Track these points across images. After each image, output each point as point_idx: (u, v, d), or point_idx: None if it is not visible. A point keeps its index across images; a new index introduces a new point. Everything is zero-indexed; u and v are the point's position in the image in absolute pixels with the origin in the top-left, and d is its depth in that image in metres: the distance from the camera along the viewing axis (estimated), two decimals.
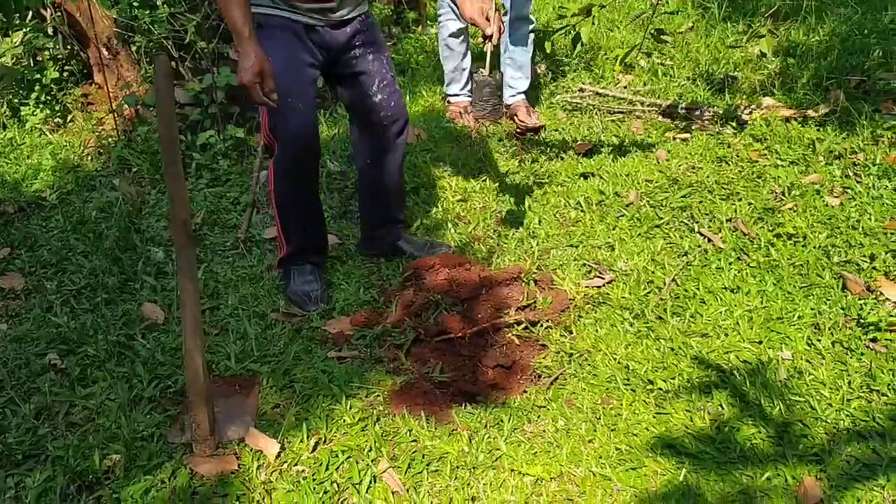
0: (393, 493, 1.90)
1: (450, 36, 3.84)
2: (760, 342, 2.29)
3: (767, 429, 2.00)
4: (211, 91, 3.62)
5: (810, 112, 3.48)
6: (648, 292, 2.57)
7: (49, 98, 4.15)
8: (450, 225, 3.05)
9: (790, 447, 1.95)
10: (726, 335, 2.33)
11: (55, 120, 4.10)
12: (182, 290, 1.88)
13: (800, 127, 3.39)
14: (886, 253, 2.55)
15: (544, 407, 2.16)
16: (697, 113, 3.72)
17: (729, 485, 1.86)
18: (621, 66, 2.90)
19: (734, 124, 3.53)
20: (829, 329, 2.31)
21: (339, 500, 1.89)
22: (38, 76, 4.11)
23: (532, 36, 3.79)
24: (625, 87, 4.16)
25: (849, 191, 2.93)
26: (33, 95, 4.11)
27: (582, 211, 3.08)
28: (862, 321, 2.31)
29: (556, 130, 3.81)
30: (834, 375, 2.15)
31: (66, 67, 4.26)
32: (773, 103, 3.64)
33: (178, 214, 1.83)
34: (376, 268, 2.83)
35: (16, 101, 4.14)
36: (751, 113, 3.59)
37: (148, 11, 3.83)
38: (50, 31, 4.16)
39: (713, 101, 3.81)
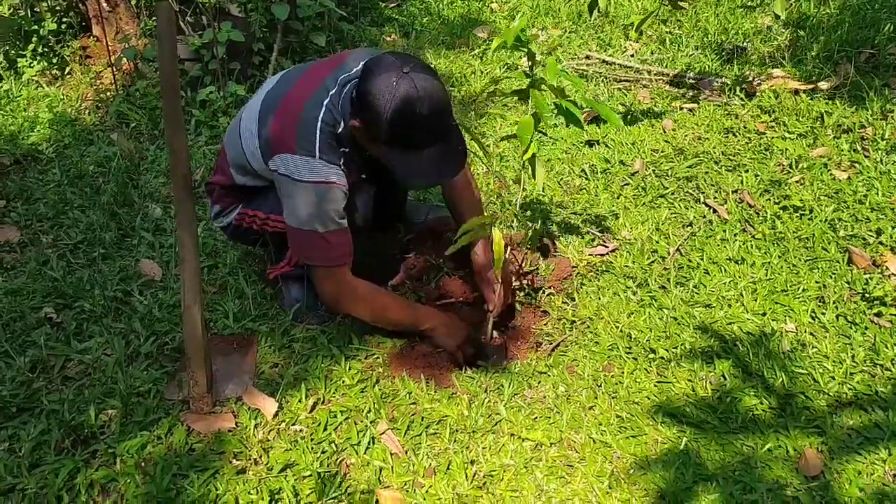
0: (391, 454, 1.89)
1: None
2: (764, 314, 2.27)
3: (769, 400, 1.99)
4: (212, 46, 3.55)
5: (821, 84, 3.43)
6: (652, 262, 2.54)
7: (46, 50, 4.07)
8: None
9: (792, 418, 1.94)
10: (730, 306, 2.31)
11: (52, 72, 4.03)
12: (181, 244, 1.85)
13: (808, 100, 3.34)
14: (893, 228, 2.53)
15: (545, 373, 2.14)
16: (705, 83, 3.67)
17: (730, 454, 1.85)
18: (637, 34, 2.85)
19: (742, 95, 3.48)
20: (834, 302, 2.29)
21: (337, 460, 1.87)
22: (36, 27, 4.03)
23: None
24: (632, 56, 4.09)
25: (856, 165, 2.89)
26: (30, 47, 4.03)
27: (587, 179, 3.04)
28: (867, 295, 2.29)
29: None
30: (837, 349, 2.14)
31: (65, 19, 4.17)
32: (783, 75, 3.59)
33: (179, 168, 1.79)
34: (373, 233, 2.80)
35: (13, 52, 4.06)
36: (759, 84, 3.54)
37: None
38: None
39: (721, 71, 3.76)
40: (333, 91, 2.07)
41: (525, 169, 2.14)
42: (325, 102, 2.05)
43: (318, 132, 2.02)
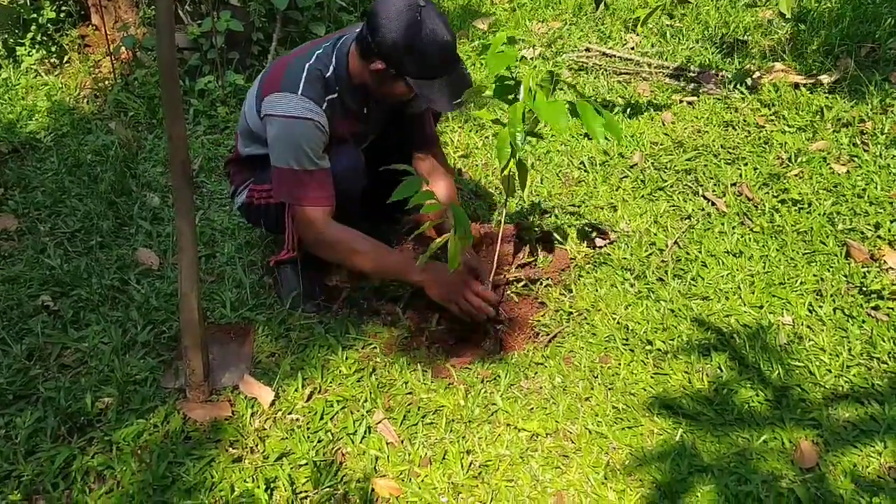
0: (388, 443, 1.89)
1: None
2: (761, 307, 2.27)
3: (766, 392, 1.99)
4: (210, 36, 3.54)
5: (823, 77, 3.42)
6: (650, 254, 2.54)
7: (45, 38, 4.06)
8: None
9: (788, 411, 1.94)
10: (727, 299, 2.31)
11: (51, 61, 4.01)
12: (179, 232, 1.85)
13: (808, 93, 3.34)
14: (891, 222, 2.53)
15: (542, 364, 2.14)
16: (705, 76, 3.66)
17: (725, 446, 1.85)
18: (643, 28, 2.82)
19: (742, 89, 3.48)
20: (831, 296, 2.29)
21: (333, 449, 1.88)
22: (35, 16, 4.01)
23: None
24: (632, 49, 4.08)
25: (856, 159, 2.89)
26: (29, 35, 4.01)
27: (585, 171, 3.04)
28: (864, 289, 2.29)
29: (561, 90, 3.74)
30: (834, 342, 2.14)
31: (64, 7, 4.16)
32: (783, 69, 3.58)
33: (177, 155, 1.78)
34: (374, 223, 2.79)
35: (11, 40, 4.04)
36: (759, 78, 3.53)
37: None
38: None
39: (722, 64, 3.75)
40: (327, 44, 2.18)
41: (512, 176, 2.12)
42: (316, 53, 2.16)
43: (304, 73, 2.11)
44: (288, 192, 2.13)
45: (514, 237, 2.60)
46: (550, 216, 2.75)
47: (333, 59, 2.15)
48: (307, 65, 2.12)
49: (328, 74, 2.14)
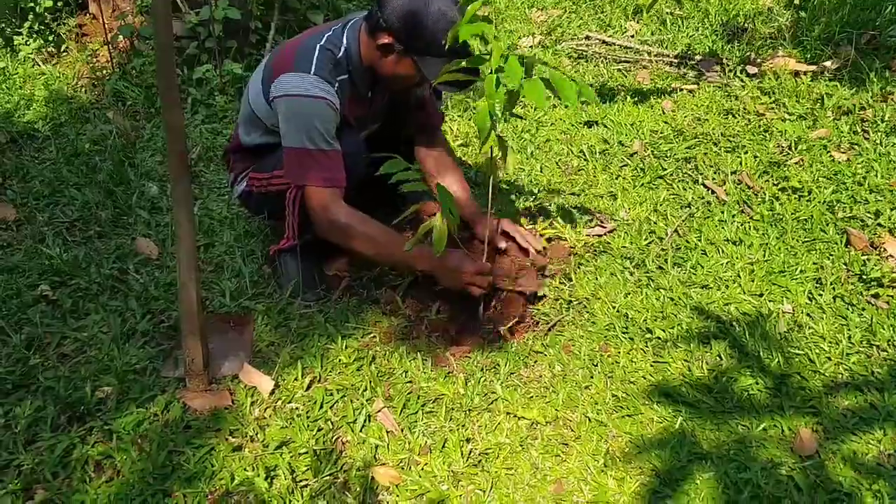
0: (387, 432, 1.89)
1: None
2: (761, 295, 2.27)
3: (765, 380, 1.99)
4: (208, 24, 3.53)
5: (827, 64, 3.41)
6: (650, 242, 2.54)
7: (42, 28, 4.04)
8: None
9: (787, 399, 1.94)
10: (727, 287, 2.31)
11: (48, 50, 4.00)
12: (177, 221, 1.84)
13: (809, 81, 3.33)
14: (892, 210, 2.52)
15: (541, 353, 2.14)
16: (705, 64, 3.65)
17: (725, 433, 1.85)
18: (647, 16, 2.80)
19: (742, 77, 3.46)
20: (831, 284, 2.29)
21: (333, 437, 1.88)
22: (32, 5, 3.99)
23: None
24: (632, 37, 4.07)
25: (856, 147, 2.88)
26: (26, 25, 4.00)
27: (585, 159, 3.03)
28: (864, 277, 2.28)
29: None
30: (834, 330, 2.14)
31: None
32: (783, 57, 3.57)
33: (175, 144, 1.77)
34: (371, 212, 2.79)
35: (8, 30, 4.03)
36: (759, 66, 3.52)
37: None
38: None
39: (722, 52, 3.73)
40: (336, 26, 2.17)
41: (495, 156, 2.04)
42: (326, 34, 2.15)
43: (315, 53, 2.10)
44: (300, 172, 2.12)
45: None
46: (550, 205, 2.74)
47: (344, 40, 2.14)
48: (318, 45, 2.11)
49: (339, 55, 2.13)
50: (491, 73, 1.80)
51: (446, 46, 1.86)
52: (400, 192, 2.01)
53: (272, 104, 2.14)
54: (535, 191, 2.83)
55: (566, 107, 3.25)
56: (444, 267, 2.16)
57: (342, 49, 2.14)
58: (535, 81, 1.79)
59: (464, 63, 1.84)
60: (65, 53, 4.01)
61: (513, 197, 2.81)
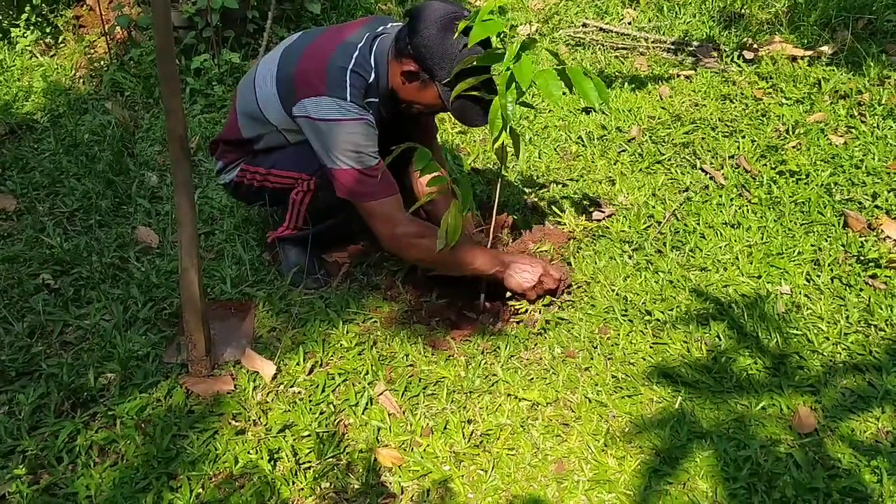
0: (389, 414, 1.90)
1: None
2: (759, 276, 2.28)
3: (764, 360, 2.01)
4: (205, 14, 3.52)
5: (825, 49, 3.41)
6: (648, 226, 2.55)
7: (40, 20, 4.04)
8: (449, 157, 3.01)
9: (786, 378, 1.95)
10: (725, 269, 2.32)
11: (46, 42, 4.00)
12: (178, 207, 1.85)
13: (806, 66, 3.33)
14: (889, 192, 2.53)
15: (541, 335, 2.15)
16: (702, 50, 3.65)
17: (724, 413, 1.87)
18: (645, 3, 2.80)
19: (740, 62, 3.47)
20: (829, 265, 2.30)
21: (335, 420, 1.89)
22: None
23: None
24: (629, 24, 4.07)
25: (853, 130, 2.89)
26: (23, 16, 4.00)
27: (583, 145, 3.04)
28: (862, 258, 2.30)
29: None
30: (832, 310, 2.15)
31: None
32: (780, 42, 3.57)
33: (175, 129, 1.78)
34: None
35: (6, 22, 4.02)
36: (757, 51, 3.52)
37: None
38: None
39: (719, 38, 3.74)
40: (362, 44, 2.12)
41: (506, 146, 2.07)
42: (353, 55, 2.10)
43: (348, 78, 2.07)
44: (357, 191, 2.10)
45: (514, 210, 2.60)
46: (549, 190, 2.75)
47: (373, 62, 2.12)
48: (349, 68, 2.08)
49: (370, 80, 2.11)
50: (506, 70, 1.83)
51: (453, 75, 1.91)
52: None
53: (295, 119, 2.11)
54: (534, 176, 2.83)
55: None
56: (518, 265, 2.19)
57: (372, 75, 2.12)
58: (549, 72, 1.81)
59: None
60: (62, 45, 4.01)
61: (514, 183, 2.82)
